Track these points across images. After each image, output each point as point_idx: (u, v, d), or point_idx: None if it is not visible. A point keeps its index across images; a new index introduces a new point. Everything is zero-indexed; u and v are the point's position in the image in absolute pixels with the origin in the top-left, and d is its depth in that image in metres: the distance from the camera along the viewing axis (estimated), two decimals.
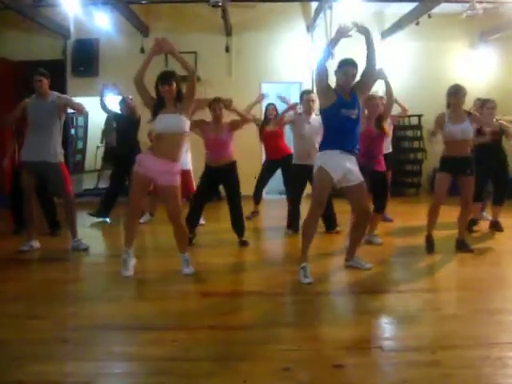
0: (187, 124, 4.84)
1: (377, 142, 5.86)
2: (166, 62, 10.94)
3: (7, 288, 4.59)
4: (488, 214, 7.36)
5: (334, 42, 4.82)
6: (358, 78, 4.75)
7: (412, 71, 11.06)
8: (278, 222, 7.52)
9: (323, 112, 4.78)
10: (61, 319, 3.78)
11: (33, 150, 5.79)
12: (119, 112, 8.05)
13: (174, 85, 4.82)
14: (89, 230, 7.37)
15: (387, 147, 7.35)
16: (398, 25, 10.52)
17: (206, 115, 6.18)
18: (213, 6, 8.72)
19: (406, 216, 7.68)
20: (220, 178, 6.14)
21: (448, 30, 11.01)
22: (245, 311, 4.02)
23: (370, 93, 5.80)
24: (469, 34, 11.27)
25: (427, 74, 10.87)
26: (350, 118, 4.63)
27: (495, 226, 6.84)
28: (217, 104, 6.11)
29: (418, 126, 11.01)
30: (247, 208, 7.69)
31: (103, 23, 9.92)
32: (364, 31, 4.88)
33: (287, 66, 11.13)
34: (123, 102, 7.95)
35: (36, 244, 6.07)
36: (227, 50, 11.12)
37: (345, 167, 4.66)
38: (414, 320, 3.74)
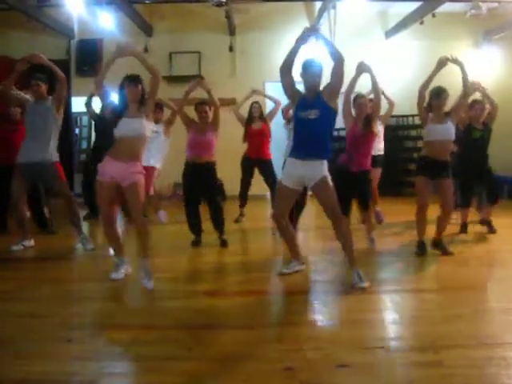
0: (148, 128, 4.77)
1: (360, 141, 5.70)
2: (170, 63, 11.01)
3: (11, 287, 4.59)
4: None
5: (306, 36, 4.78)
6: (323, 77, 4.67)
7: (416, 70, 10.97)
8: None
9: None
10: (64, 318, 3.78)
11: (28, 153, 5.80)
12: (99, 113, 7.93)
13: (140, 87, 4.74)
14: (92, 229, 7.38)
15: (378, 149, 7.33)
16: (402, 24, 10.52)
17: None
18: (216, 6, 8.73)
19: (409, 215, 7.64)
20: (200, 175, 6.10)
21: (452, 30, 10.99)
22: (247, 311, 4.02)
23: (357, 92, 5.83)
24: (473, 34, 11.26)
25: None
26: (308, 119, 4.54)
27: (486, 224, 6.82)
28: (202, 107, 6.14)
29: (422, 126, 10.96)
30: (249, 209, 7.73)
31: (107, 23, 9.95)
32: (312, 31, 4.88)
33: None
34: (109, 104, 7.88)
35: (29, 243, 6.11)
36: (231, 49, 11.14)
37: (298, 174, 4.64)
38: (417, 320, 3.74)
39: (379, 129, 6.86)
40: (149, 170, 7.17)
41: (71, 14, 9.80)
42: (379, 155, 7.46)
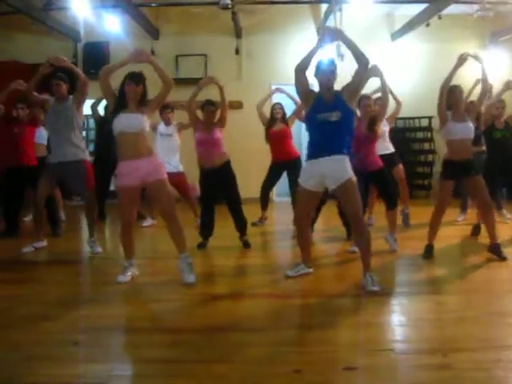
0: (146, 123, 4.71)
1: (365, 143, 5.74)
2: (176, 66, 11.04)
3: (19, 290, 4.61)
4: (508, 213, 7.36)
5: (320, 43, 4.65)
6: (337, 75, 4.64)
7: (422, 73, 11.02)
8: (288, 226, 7.55)
9: (305, 117, 4.74)
10: (73, 321, 3.80)
11: (56, 152, 5.87)
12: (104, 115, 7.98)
13: (141, 87, 4.72)
14: (99, 233, 7.40)
15: (386, 148, 7.21)
16: (408, 26, 10.50)
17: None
18: (222, 9, 8.74)
19: (417, 218, 7.63)
20: (217, 179, 6.09)
21: (458, 32, 10.96)
22: (256, 313, 4.02)
23: (363, 93, 5.80)
24: (479, 36, 11.23)
25: (437, 76, 10.65)
26: (328, 121, 4.45)
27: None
28: (209, 107, 6.16)
29: (429, 128, 10.96)
30: (257, 212, 7.72)
31: (113, 26, 9.97)
32: (334, 34, 4.71)
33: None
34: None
35: (41, 244, 6.17)
36: (237, 52, 11.13)
37: (319, 174, 4.53)
38: (425, 322, 3.73)
39: (384, 129, 6.87)
40: (180, 176, 7.21)
41: (77, 17, 9.82)
42: (386, 154, 7.39)
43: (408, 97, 9.74)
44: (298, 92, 4.71)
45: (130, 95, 4.67)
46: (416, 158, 11.44)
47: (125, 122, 4.61)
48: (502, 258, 5.34)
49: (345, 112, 4.47)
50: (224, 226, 6.43)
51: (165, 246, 5.67)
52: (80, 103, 5.97)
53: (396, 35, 11.14)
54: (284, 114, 7.50)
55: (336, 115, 4.43)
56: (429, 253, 5.54)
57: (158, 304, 4.25)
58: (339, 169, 4.46)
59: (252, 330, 3.61)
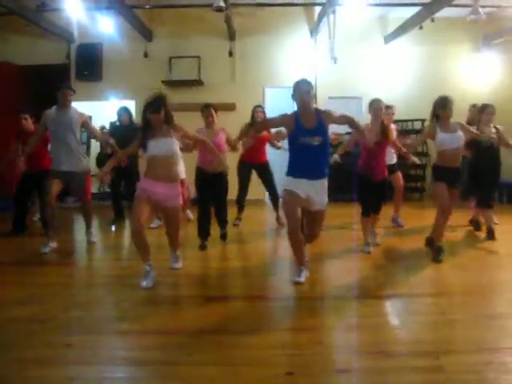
0: (177, 145, 4.94)
1: (378, 149, 5.81)
2: (169, 68, 11.03)
3: (10, 292, 4.59)
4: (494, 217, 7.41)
5: None
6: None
7: (415, 75, 11.06)
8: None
9: (288, 137, 4.76)
10: (64, 323, 3.79)
11: (60, 161, 6.05)
12: (116, 121, 8.07)
13: (162, 113, 4.81)
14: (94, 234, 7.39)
15: (391, 158, 7.27)
16: (402, 29, 10.53)
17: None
18: (216, 11, 8.73)
19: (409, 220, 7.66)
20: (212, 181, 6.23)
21: (451, 34, 11.02)
22: (248, 316, 4.01)
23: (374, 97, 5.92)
24: (472, 38, 11.27)
25: (430, 78, 10.86)
26: (311, 145, 4.54)
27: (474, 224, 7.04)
28: (209, 110, 6.26)
29: (421, 131, 10.98)
30: (257, 213, 7.72)
31: (107, 28, 9.97)
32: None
33: (290, 70, 11.13)
34: (125, 111, 7.98)
35: (54, 244, 6.22)
36: (230, 54, 11.14)
37: (305, 191, 4.62)
38: (417, 325, 3.74)
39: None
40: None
41: (71, 19, 9.83)
42: (389, 165, 7.43)
43: (401, 99, 9.80)
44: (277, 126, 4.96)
45: (154, 123, 4.83)
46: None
47: (158, 147, 4.79)
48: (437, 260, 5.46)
49: (325, 136, 4.63)
50: (214, 229, 6.45)
51: (157, 249, 5.68)
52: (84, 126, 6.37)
53: (389, 38, 11.17)
54: (265, 117, 7.58)
55: (318, 139, 4.55)
56: (440, 254, 5.51)
57: (150, 306, 4.23)
58: (322, 194, 4.72)
59: (244, 333, 3.60)
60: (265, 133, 7.37)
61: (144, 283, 4.68)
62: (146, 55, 10.97)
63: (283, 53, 11.24)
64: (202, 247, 6.25)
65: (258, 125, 4.82)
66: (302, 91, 4.56)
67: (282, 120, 4.76)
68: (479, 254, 5.70)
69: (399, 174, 7.51)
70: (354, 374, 2.93)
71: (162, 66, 11.09)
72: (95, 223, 7.93)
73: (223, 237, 6.68)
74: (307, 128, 4.56)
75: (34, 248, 6.19)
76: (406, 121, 11.10)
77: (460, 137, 5.48)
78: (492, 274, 5.13)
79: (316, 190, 4.65)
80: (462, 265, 5.39)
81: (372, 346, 3.34)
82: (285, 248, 6.46)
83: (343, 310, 4.13)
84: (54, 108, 6.10)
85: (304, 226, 5.09)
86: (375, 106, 5.83)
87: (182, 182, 7.48)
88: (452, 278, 5.03)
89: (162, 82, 10.80)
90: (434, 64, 11.10)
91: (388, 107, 6.81)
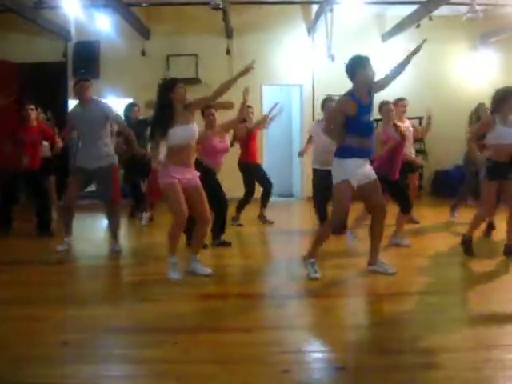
0: (198, 130, 4.90)
1: (397, 147, 5.86)
2: (167, 66, 11.01)
3: (7, 291, 4.57)
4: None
5: None
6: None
7: (413, 73, 10.96)
8: (279, 225, 7.57)
9: (347, 119, 4.65)
10: (60, 322, 3.78)
11: (87, 157, 5.89)
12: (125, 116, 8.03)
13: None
14: (88, 233, 7.38)
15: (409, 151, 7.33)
16: (399, 27, 10.52)
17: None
18: (213, 9, 8.72)
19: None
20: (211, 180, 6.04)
21: (449, 33, 11.00)
22: (245, 313, 4.01)
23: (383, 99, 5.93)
24: (469, 37, 11.26)
25: (428, 77, 10.86)
26: (370, 121, 4.66)
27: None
28: (210, 110, 6.16)
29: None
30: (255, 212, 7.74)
31: (104, 25, 9.94)
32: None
33: (288, 68, 11.12)
34: (134, 105, 8.08)
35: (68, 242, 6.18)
36: (228, 52, 11.12)
37: (361, 172, 4.67)
38: (415, 322, 3.74)
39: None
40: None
41: (68, 16, 9.78)
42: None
43: (398, 97, 9.78)
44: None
45: (181, 99, 4.75)
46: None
47: (183, 135, 4.72)
48: None
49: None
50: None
51: (155, 246, 5.67)
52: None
53: (386, 36, 11.16)
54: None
55: (371, 115, 4.67)
56: (469, 247, 5.54)
57: (147, 304, 4.22)
58: (369, 169, 4.81)
59: (240, 330, 3.59)
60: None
61: (176, 275, 4.77)
62: (143, 53, 10.94)
63: (281, 51, 11.21)
64: (204, 246, 6.15)
65: (329, 119, 4.75)
66: (371, 71, 4.71)
67: (341, 107, 4.70)
68: (479, 252, 5.68)
69: (416, 175, 7.71)
70: (352, 371, 2.92)
71: (160, 63, 11.06)
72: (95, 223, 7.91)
73: (224, 244, 6.30)
74: (365, 106, 4.62)
75: (29, 247, 6.16)
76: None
77: None
78: (492, 272, 5.12)
79: (368, 169, 4.77)
80: (462, 263, 5.39)
81: (370, 343, 3.34)
82: (283, 247, 6.49)
83: (341, 308, 4.13)
84: (77, 104, 5.99)
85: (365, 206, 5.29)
86: (386, 108, 5.85)
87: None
88: (451, 276, 5.03)
89: (160, 80, 10.76)
90: (431, 62, 11.08)
91: (399, 100, 6.78)
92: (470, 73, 11.12)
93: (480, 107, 7.40)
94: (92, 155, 5.84)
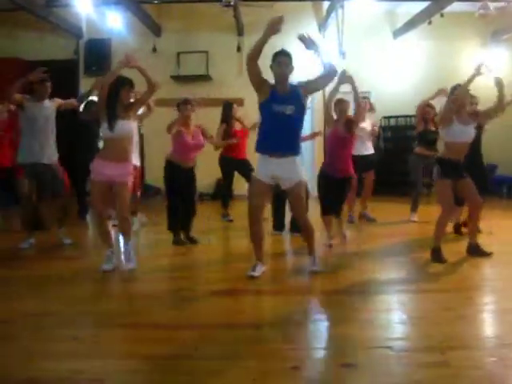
0: (135, 128, 5.06)
1: (341, 144, 5.83)
2: (178, 63, 11.04)
3: (19, 286, 4.62)
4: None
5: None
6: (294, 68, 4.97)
7: (423, 70, 11.01)
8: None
9: (259, 107, 4.68)
10: (72, 317, 3.80)
11: (32, 153, 5.84)
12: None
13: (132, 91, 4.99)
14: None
15: (367, 148, 7.67)
16: (410, 24, 10.49)
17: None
18: (225, 6, 8.73)
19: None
20: (183, 178, 6.06)
21: (460, 30, 10.96)
22: (254, 310, 4.03)
23: (340, 96, 5.97)
24: (481, 34, 11.22)
25: (439, 74, 10.80)
26: (283, 113, 4.49)
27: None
28: (186, 106, 6.07)
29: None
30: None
31: (115, 23, 10.00)
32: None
33: (298, 65, 11.03)
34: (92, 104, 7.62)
35: (33, 241, 6.15)
36: (239, 49, 11.14)
37: (272, 174, 4.60)
38: (423, 320, 3.73)
39: (365, 126, 7.34)
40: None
41: (80, 14, 9.84)
42: (369, 155, 7.66)
43: (409, 94, 9.79)
44: (252, 80, 4.70)
45: (125, 100, 4.90)
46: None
47: (116, 129, 4.80)
48: (486, 254, 5.41)
49: (299, 107, 4.56)
50: (212, 224, 6.45)
51: (161, 243, 5.70)
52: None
53: (398, 33, 11.13)
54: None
55: (290, 109, 4.50)
56: (440, 258, 5.28)
57: (156, 300, 4.24)
58: (291, 171, 4.60)
59: (249, 327, 3.61)
60: (244, 128, 7.91)
61: (105, 267, 4.95)
62: (154, 50, 10.99)
63: (291, 48, 11.04)
64: (176, 242, 6.12)
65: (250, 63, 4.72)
66: (283, 63, 4.75)
67: (260, 77, 4.73)
68: (486, 249, 5.66)
69: (372, 173, 7.84)
70: (360, 368, 2.92)
71: (171, 60, 11.11)
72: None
73: (192, 240, 6.24)
74: (281, 96, 4.56)
75: (39, 243, 6.21)
76: (415, 116, 11.04)
77: (472, 131, 5.46)
78: (500, 270, 5.10)
79: (286, 171, 4.59)
80: (469, 261, 5.36)
81: (378, 340, 3.34)
82: (288, 245, 6.50)
83: (348, 305, 4.13)
84: (29, 98, 5.92)
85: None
86: (341, 107, 6.04)
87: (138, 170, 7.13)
88: (459, 273, 5.00)
89: (171, 77, 10.80)
90: (442, 59, 11.05)
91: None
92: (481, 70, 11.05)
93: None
94: (38, 151, 5.86)
